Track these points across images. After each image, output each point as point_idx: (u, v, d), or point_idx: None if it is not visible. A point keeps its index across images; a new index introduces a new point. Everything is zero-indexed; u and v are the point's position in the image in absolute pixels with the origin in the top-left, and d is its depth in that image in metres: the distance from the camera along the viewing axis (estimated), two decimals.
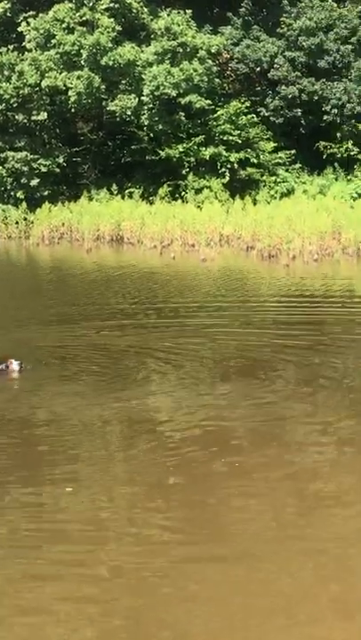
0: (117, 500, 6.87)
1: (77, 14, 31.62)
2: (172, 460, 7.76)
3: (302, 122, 32.49)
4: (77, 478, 7.35)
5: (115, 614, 5.14)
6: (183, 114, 31.27)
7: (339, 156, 31.66)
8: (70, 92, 30.99)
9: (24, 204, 31.05)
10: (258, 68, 33.42)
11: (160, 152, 31.24)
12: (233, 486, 7.11)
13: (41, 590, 5.41)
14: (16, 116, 31.78)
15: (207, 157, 31.18)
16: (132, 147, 32.52)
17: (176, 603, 5.21)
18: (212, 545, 6.04)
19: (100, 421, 8.93)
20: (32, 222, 30.33)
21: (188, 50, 31.53)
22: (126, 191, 31.40)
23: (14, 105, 31.54)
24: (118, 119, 31.59)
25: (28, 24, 32.20)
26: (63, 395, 9.74)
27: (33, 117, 31.77)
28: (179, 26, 31.66)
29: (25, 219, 30.77)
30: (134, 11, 32.43)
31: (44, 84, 31.07)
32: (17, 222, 30.79)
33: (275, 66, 32.49)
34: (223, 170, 31.24)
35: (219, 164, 31.37)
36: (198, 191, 30.73)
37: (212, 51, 32.12)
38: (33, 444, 8.43)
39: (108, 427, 8.81)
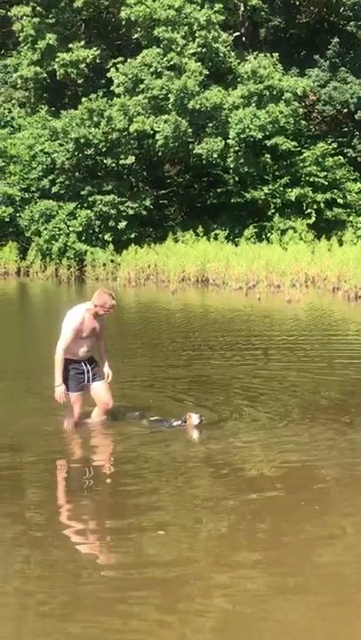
0: (202, 544, 6.80)
1: (165, 59, 32.17)
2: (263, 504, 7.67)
3: None
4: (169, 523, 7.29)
5: None
6: (269, 156, 31.40)
7: None
8: (157, 136, 31.43)
9: (111, 247, 31.51)
10: (345, 110, 33.40)
11: (246, 194, 31.38)
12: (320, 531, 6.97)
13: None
14: (104, 161, 32.36)
15: (293, 198, 31.19)
16: (218, 189, 32.77)
17: None
18: (300, 588, 5.93)
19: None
20: (119, 264, 30.72)
21: (275, 92, 31.72)
22: (212, 233, 31.59)
23: (103, 149, 32.13)
24: (204, 162, 31.89)
25: (117, 69, 32.88)
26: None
27: (121, 161, 32.32)
28: (265, 69, 31.91)
29: (112, 260, 31.20)
30: (221, 55, 32.83)
31: (131, 128, 31.60)
32: (104, 264, 31.24)
33: None
34: (309, 210, 31.21)
35: (305, 205, 31.36)
36: (284, 232, 30.74)
37: (299, 93, 32.24)
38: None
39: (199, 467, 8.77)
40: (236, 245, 30.41)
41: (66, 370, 9.76)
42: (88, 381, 9.99)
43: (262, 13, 35.42)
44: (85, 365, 9.98)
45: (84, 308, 9.95)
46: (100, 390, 10.04)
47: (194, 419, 9.73)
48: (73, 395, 9.86)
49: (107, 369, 10.11)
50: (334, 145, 32.39)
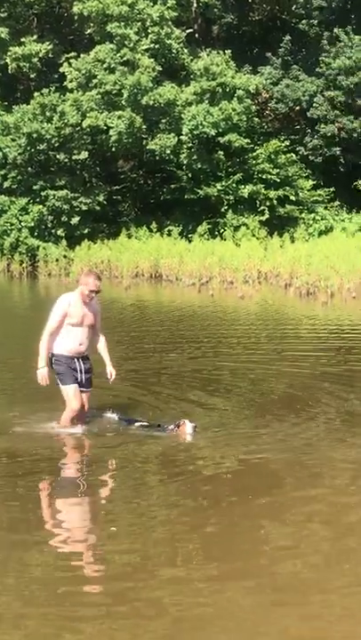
0: (154, 538, 6.83)
1: (118, 55, 32.14)
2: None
3: (341, 160, 32.63)
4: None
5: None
6: (222, 152, 31.53)
7: None
8: (111, 132, 31.40)
9: (64, 242, 31.42)
10: (297, 107, 33.65)
11: (199, 191, 31.48)
12: (272, 525, 7.05)
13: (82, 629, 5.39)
14: (57, 156, 32.22)
15: (246, 195, 31.35)
16: (172, 185, 32.82)
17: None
18: (248, 581, 5.99)
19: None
20: (72, 260, 30.64)
21: (228, 89, 31.86)
22: (165, 229, 31.64)
23: (56, 145, 31.99)
24: (158, 158, 31.91)
25: (70, 65, 32.75)
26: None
27: (74, 157, 32.22)
28: (218, 66, 32.02)
29: (65, 256, 31.11)
30: (174, 51, 32.88)
31: (85, 123, 31.52)
32: (57, 260, 31.13)
33: (314, 105, 32.72)
34: (262, 207, 31.40)
35: (258, 202, 31.53)
36: (237, 229, 30.91)
37: (251, 90, 32.41)
38: None
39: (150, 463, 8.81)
40: (190, 241, 30.51)
41: (59, 364, 9.25)
42: (80, 382, 9.37)
43: (215, 10, 35.54)
44: (79, 364, 9.35)
45: (73, 292, 9.38)
46: (83, 397, 9.47)
47: (188, 427, 9.17)
48: (70, 387, 9.27)
49: (110, 368, 9.56)
50: (287, 142, 32.61)
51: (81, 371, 9.34)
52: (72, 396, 9.29)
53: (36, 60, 33.87)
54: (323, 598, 5.71)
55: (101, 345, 9.59)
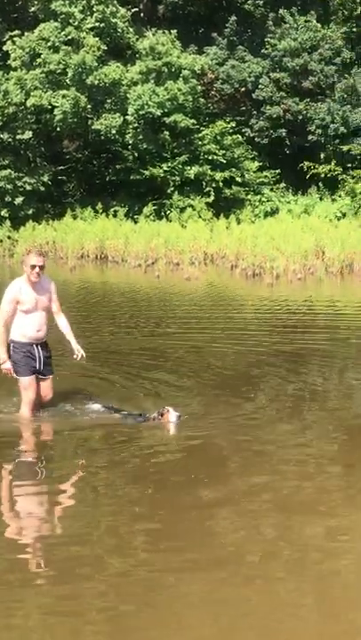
0: (98, 519, 6.78)
1: (63, 33, 31.73)
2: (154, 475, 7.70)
3: (287, 142, 32.71)
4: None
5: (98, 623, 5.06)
6: (168, 133, 31.37)
7: (323, 175, 31.81)
8: (56, 111, 31.03)
9: (8, 223, 31.04)
10: (243, 89, 33.60)
11: (144, 171, 31.32)
12: (213, 501, 7.04)
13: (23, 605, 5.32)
14: (0, 135, 31.76)
15: (192, 176, 31.27)
16: (117, 166, 32.60)
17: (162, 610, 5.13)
18: (194, 555, 5.97)
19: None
20: (16, 241, 30.27)
21: (173, 69, 31.68)
22: (111, 210, 31.42)
23: None
24: (103, 138, 31.65)
25: (14, 43, 32.26)
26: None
27: (18, 136, 31.77)
28: (163, 45, 31.80)
29: (9, 237, 30.73)
30: (119, 30, 32.57)
31: (29, 102, 31.10)
32: (1, 241, 30.75)
33: (259, 86, 32.72)
34: (208, 189, 31.35)
35: (204, 184, 31.47)
36: (183, 210, 30.83)
37: (197, 70, 32.28)
38: None
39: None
40: (136, 223, 30.36)
41: (15, 352, 9.00)
42: (39, 371, 9.15)
43: None
44: (38, 351, 9.10)
45: (21, 278, 9.03)
46: (45, 385, 9.25)
47: (171, 415, 8.89)
48: (25, 379, 9.06)
49: (76, 346, 9.30)
50: (233, 124, 32.55)
51: (40, 358, 9.12)
52: (27, 386, 9.09)
53: None
54: (265, 582, 5.71)
55: (63, 324, 9.35)
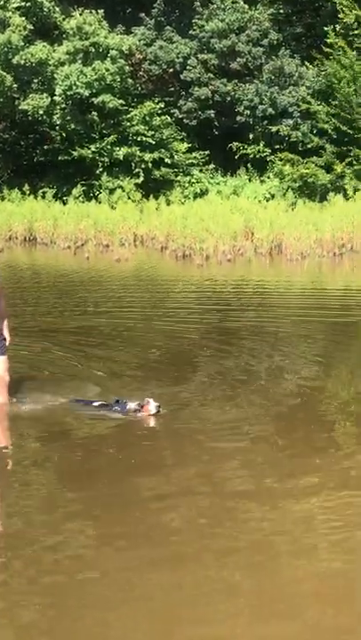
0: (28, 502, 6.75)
1: None
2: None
3: (215, 123, 32.75)
4: None
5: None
6: (96, 114, 31.16)
7: (252, 157, 31.98)
8: None
9: None
10: (171, 70, 33.50)
11: (73, 152, 31.07)
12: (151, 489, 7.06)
13: None
14: None
15: (121, 157, 31.13)
16: (45, 146, 32.26)
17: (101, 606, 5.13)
18: (129, 541, 5.99)
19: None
20: None
21: (101, 50, 31.44)
22: (39, 191, 31.12)
23: None
24: (31, 118, 31.30)
25: None
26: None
27: None
28: (91, 25, 31.53)
29: None
30: (46, 10, 32.19)
31: None
32: None
33: (187, 67, 32.67)
34: (137, 170, 31.25)
35: (133, 164, 31.36)
36: (112, 191, 30.70)
37: (125, 51, 32.08)
38: None
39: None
40: (65, 204, 30.12)
41: None
42: None
43: None
44: None
45: None
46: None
47: (151, 406, 8.54)
48: None
49: (6, 333, 9.08)
50: (161, 104, 32.46)
51: None
52: None
53: None
54: (200, 558, 5.75)
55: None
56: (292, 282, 20.30)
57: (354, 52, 31.14)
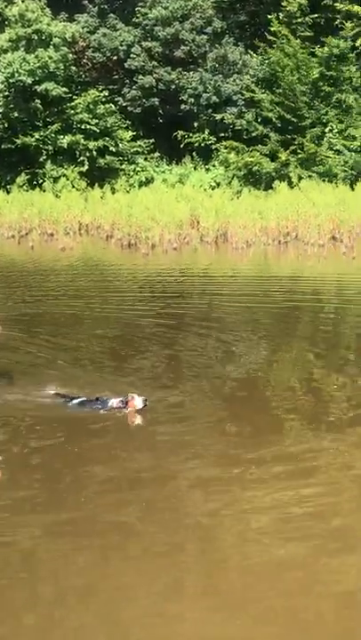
0: None
1: None
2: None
3: (160, 111, 32.62)
4: None
5: None
6: (39, 102, 30.82)
7: (197, 145, 31.95)
8: None
9: None
10: (115, 57, 33.28)
11: (16, 140, 30.72)
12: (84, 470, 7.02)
13: None
14: None
15: (65, 146, 30.85)
16: None
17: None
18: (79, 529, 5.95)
19: None
20: None
21: (44, 37, 31.11)
22: None
23: None
24: None
25: None
26: None
27: None
28: (33, 13, 31.16)
29: None
30: None
31: None
32: None
33: (131, 55, 32.47)
34: (82, 158, 31.01)
35: (77, 153, 31.11)
36: (56, 180, 30.43)
37: (68, 39, 31.79)
38: None
39: None
40: (8, 193, 29.79)
41: None
42: None
43: None
44: None
45: None
46: None
47: (137, 401, 8.25)
48: None
49: None
50: (105, 92, 32.21)
51: None
52: None
53: None
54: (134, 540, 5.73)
55: None
56: (238, 269, 20.36)
57: (297, 41, 31.26)
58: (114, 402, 8.32)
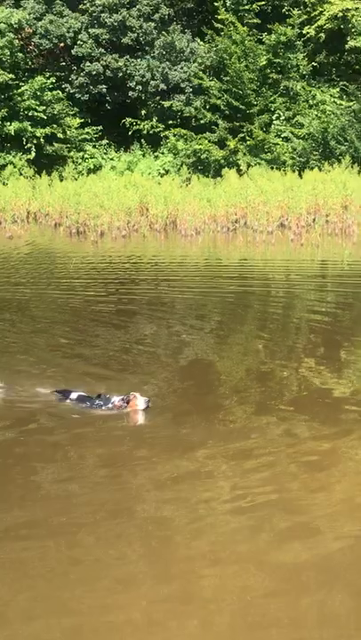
0: None
1: None
2: None
3: (108, 98, 32.46)
4: None
5: None
6: None
7: (145, 132, 31.85)
8: None
9: None
10: (62, 44, 33.02)
11: None
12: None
13: None
14: None
15: (12, 133, 30.54)
16: None
17: None
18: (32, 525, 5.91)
19: None
20: None
21: None
22: None
23: None
24: None
25: None
26: None
27: None
28: None
29: None
30: None
31: None
32: None
33: (78, 42, 32.24)
34: (29, 145, 30.73)
35: (24, 140, 30.82)
36: (3, 167, 30.12)
37: (14, 25, 31.42)
38: None
39: None
40: None
41: None
42: None
43: None
44: None
45: None
46: None
47: (139, 401, 7.91)
48: None
49: None
50: (52, 79, 31.96)
51: None
52: None
53: None
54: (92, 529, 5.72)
55: None
56: (187, 256, 20.35)
57: (245, 28, 31.30)
58: (115, 400, 8.00)
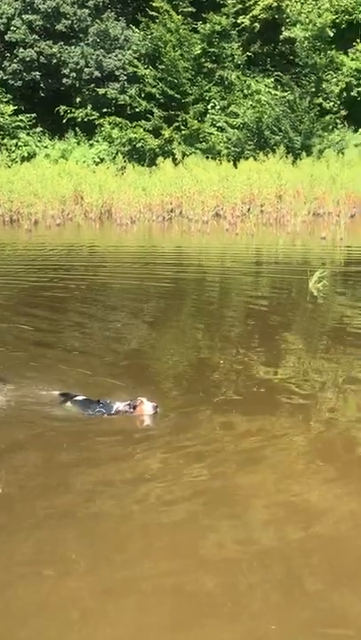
0: None
1: None
2: None
3: (42, 85, 32.11)
4: None
5: None
6: None
7: (80, 120, 31.59)
8: None
9: None
10: None
11: None
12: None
13: None
14: None
15: None
16: None
17: None
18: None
19: None
20: None
21: None
22: None
23: None
24: None
25: None
26: None
27: None
28: None
29: None
30: None
31: None
32: None
33: (12, 28, 31.81)
34: None
35: None
36: None
37: None
38: None
39: None
40: None
41: None
42: None
43: None
44: None
45: None
46: None
47: (147, 407, 7.47)
48: None
49: None
50: None
51: None
52: None
53: None
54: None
55: None
56: (122, 245, 20.24)
57: (179, 16, 31.22)
58: (119, 406, 7.55)
